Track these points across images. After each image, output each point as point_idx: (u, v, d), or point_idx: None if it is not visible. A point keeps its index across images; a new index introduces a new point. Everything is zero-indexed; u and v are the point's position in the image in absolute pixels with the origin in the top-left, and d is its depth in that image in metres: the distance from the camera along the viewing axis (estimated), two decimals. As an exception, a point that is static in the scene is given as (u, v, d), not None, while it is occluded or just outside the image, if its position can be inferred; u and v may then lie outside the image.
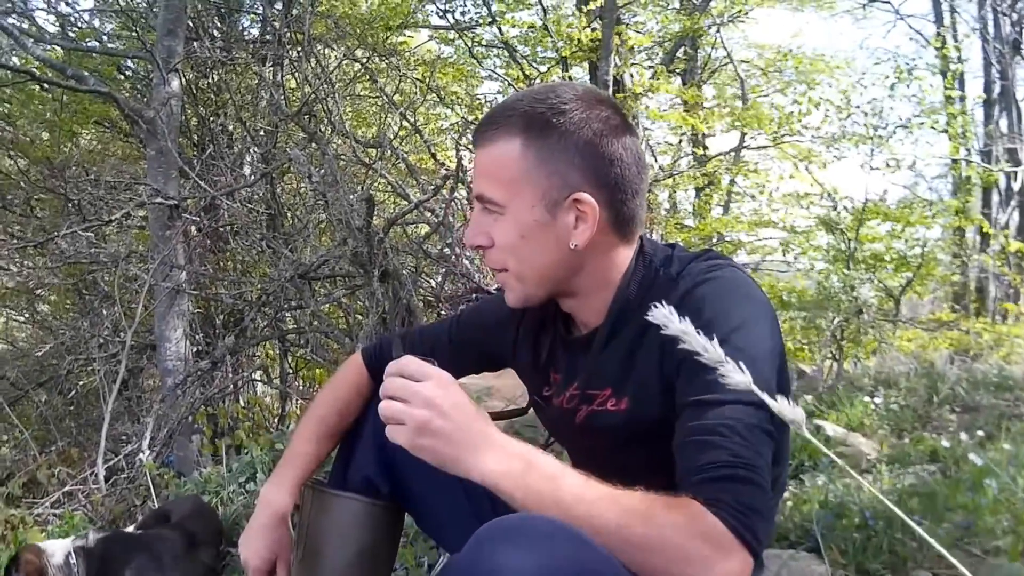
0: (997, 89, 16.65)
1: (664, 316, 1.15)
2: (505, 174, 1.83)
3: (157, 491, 5.02)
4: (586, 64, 12.82)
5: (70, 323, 9.18)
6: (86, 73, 8.21)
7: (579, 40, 10.78)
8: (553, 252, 1.86)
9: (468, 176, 6.10)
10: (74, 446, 7.23)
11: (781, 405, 1.03)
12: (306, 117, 7.77)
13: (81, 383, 8.59)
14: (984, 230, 13.65)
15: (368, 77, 10.43)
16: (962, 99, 13.77)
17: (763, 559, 1.54)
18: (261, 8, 10.13)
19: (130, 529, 3.92)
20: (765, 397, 1.06)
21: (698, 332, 1.70)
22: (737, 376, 1.07)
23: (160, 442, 6.48)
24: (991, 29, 16.61)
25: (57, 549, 3.30)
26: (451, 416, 1.58)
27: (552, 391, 2.11)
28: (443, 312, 6.61)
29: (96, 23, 11.24)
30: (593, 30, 10.76)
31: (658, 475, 1.62)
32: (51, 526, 4.88)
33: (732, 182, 15.19)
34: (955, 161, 13.86)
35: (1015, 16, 16.36)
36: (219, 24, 9.83)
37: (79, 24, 11.04)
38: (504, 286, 1.98)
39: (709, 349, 1.08)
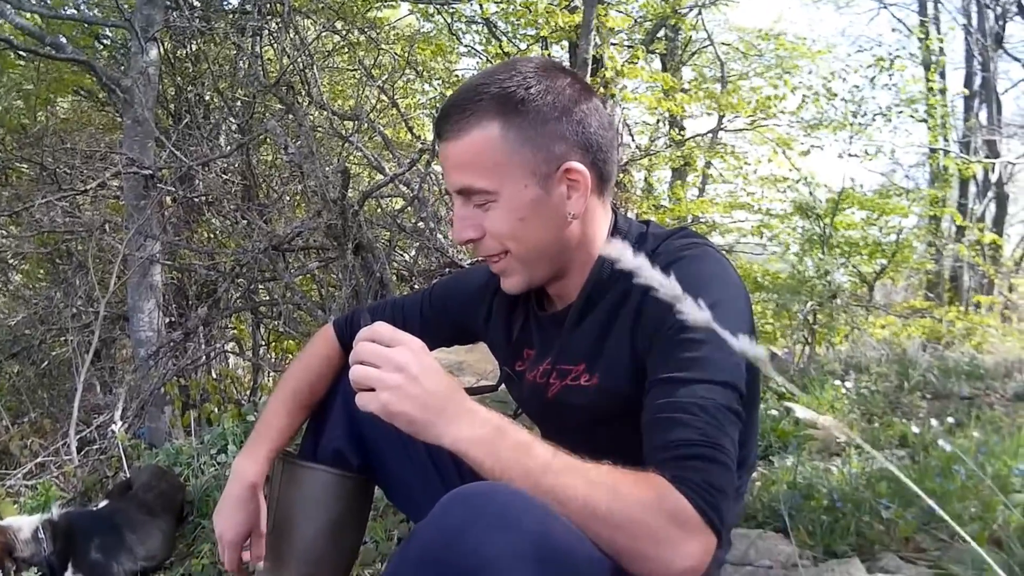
0: (978, 81, 16.74)
1: (616, 252, 1.10)
2: (489, 160, 1.80)
3: (129, 462, 5.00)
4: (565, 43, 12.80)
5: (43, 293, 9.12)
6: (64, 40, 8.14)
7: (556, 21, 10.73)
8: (553, 228, 1.86)
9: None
10: (46, 417, 7.20)
11: (743, 343, 1.02)
12: (283, 88, 7.73)
13: (54, 353, 8.54)
14: (957, 221, 13.73)
15: (346, 50, 10.40)
16: (943, 91, 13.83)
17: (730, 538, 1.55)
18: (241, -22, 10.08)
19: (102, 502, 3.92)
20: (727, 336, 1.04)
21: (671, 310, 1.71)
22: (698, 313, 1.05)
23: (132, 413, 6.46)
24: (974, 21, 16.68)
25: (24, 524, 3.29)
26: (423, 381, 1.58)
27: (525, 366, 2.11)
28: (416, 286, 6.61)
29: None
30: (573, 11, 10.73)
31: (627, 452, 1.61)
32: (23, 498, 4.86)
33: (708, 164, 15.24)
34: (933, 151, 13.92)
35: (999, 9, 16.42)
36: (198, -7, 9.77)
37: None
38: (503, 272, 1.96)
39: (665, 284, 1.05)
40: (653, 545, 1.46)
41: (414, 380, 1.58)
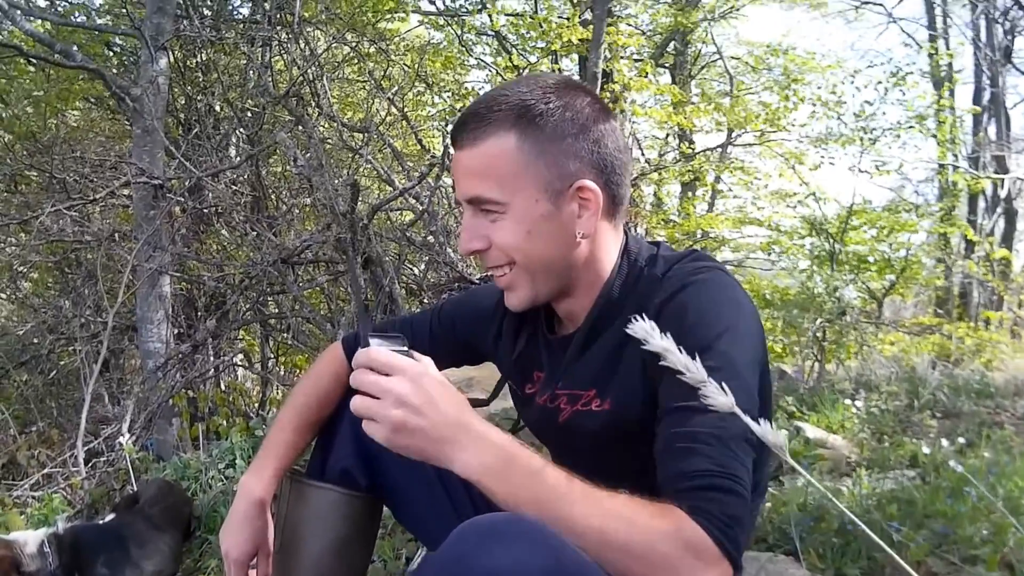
0: (987, 96, 16.74)
1: (644, 331, 1.12)
2: (503, 171, 1.79)
3: (136, 475, 4.99)
4: (575, 56, 12.82)
5: (52, 302, 9.12)
6: (74, 48, 8.15)
7: (569, 37, 10.74)
8: (560, 245, 1.84)
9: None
10: (54, 427, 7.19)
11: (764, 429, 1.02)
12: (293, 99, 7.74)
13: (62, 363, 8.54)
14: (968, 237, 13.72)
15: (356, 61, 10.41)
16: (952, 109, 13.83)
17: (741, 562, 1.53)
18: (252, -12, 10.10)
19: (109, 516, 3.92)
20: (749, 421, 1.04)
21: (682, 336, 1.69)
22: (720, 397, 1.05)
23: (140, 425, 6.46)
24: (983, 36, 16.68)
25: (30, 539, 3.29)
26: (426, 412, 1.53)
27: (535, 389, 2.09)
28: (426, 300, 6.61)
29: (85, -2, 11.20)
30: (585, 25, 10.73)
31: (640, 475, 1.61)
32: (30, 508, 4.85)
33: (718, 179, 15.24)
34: (942, 166, 13.91)
35: (1007, 24, 16.42)
36: (209, 2, 9.78)
37: (68, -1, 11.01)
38: (508, 287, 1.93)
39: (691, 368, 1.06)
40: None
41: (416, 412, 1.53)
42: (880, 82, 12.17)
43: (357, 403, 1.57)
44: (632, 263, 1.91)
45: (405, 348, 1.64)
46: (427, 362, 1.63)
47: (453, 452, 1.54)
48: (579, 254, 1.87)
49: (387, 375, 1.56)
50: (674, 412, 1.63)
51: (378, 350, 1.59)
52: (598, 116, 1.84)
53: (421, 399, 1.53)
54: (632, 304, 1.84)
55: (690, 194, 15.44)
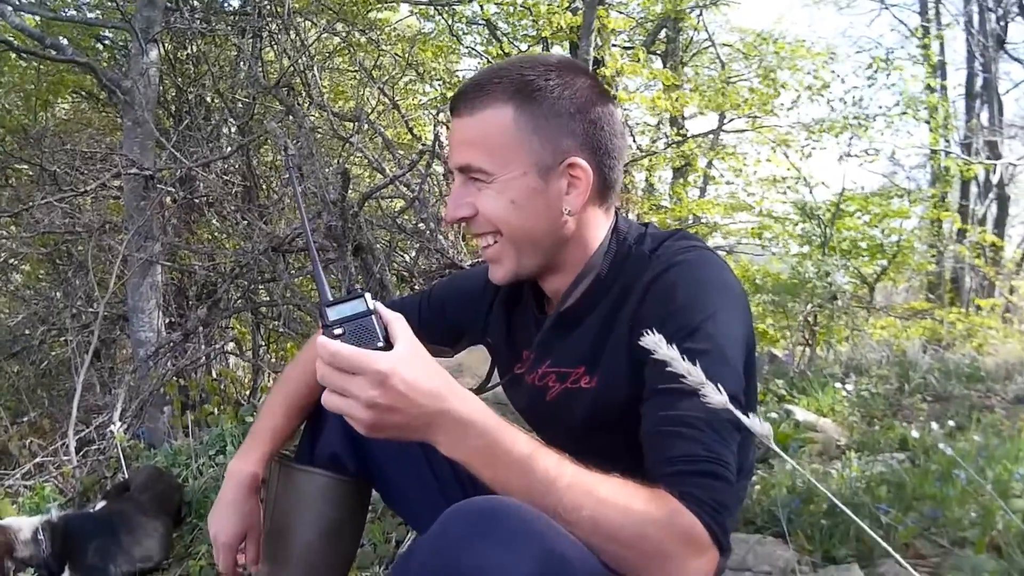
0: (979, 82, 16.75)
1: (655, 343, 1.12)
2: (496, 141, 1.80)
3: (128, 463, 4.99)
4: (566, 44, 12.81)
5: (43, 293, 9.13)
6: (64, 42, 8.14)
7: (559, 22, 10.73)
8: (545, 219, 1.84)
9: (445, 152, 6.06)
10: (46, 417, 7.20)
11: (752, 422, 1.02)
12: (284, 90, 7.73)
13: (54, 353, 8.55)
14: (956, 226, 13.75)
15: (347, 51, 10.40)
16: (943, 90, 13.83)
17: (729, 544, 1.54)
18: (241, -21, 10.08)
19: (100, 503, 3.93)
20: (739, 415, 1.04)
21: (670, 316, 1.69)
22: (716, 397, 1.06)
23: (131, 414, 6.46)
24: (975, 22, 16.69)
25: (24, 525, 3.30)
26: (398, 409, 1.46)
27: (524, 368, 2.08)
28: (417, 287, 6.60)
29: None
30: (575, 12, 10.72)
31: (626, 453, 1.61)
32: (22, 498, 4.86)
33: (709, 165, 15.24)
34: (934, 152, 13.91)
35: (1000, 11, 16.43)
36: (199, -6, 9.77)
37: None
38: (493, 259, 1.93)
39: (692, 372, 1.06)
40: (663, 563, 1.45)
41: (388, 411, 1.46)
42: (870, 66, 12.19)
43: (328, 401, 1.50)
44: (621, 242, 1.91)
45: (366, 309, 1.55)
46: (396, 320, 1.58)
47: (436, 438, 1.51)
48: (565, 231, 1.86)
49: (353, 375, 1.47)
50: (661, 394, 1.62)
51: (340, 345, 1.48)
52: (597, 98, 1.85)
53: (390, 398, 1.45)
54: (620, 283, 1.85)
55: (682, 180, 15.45)
